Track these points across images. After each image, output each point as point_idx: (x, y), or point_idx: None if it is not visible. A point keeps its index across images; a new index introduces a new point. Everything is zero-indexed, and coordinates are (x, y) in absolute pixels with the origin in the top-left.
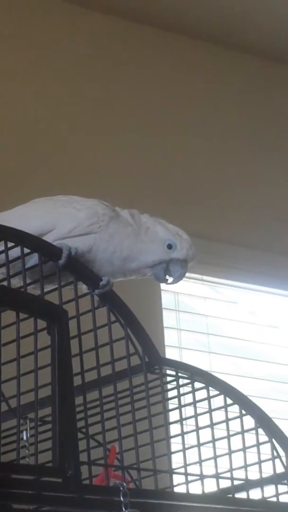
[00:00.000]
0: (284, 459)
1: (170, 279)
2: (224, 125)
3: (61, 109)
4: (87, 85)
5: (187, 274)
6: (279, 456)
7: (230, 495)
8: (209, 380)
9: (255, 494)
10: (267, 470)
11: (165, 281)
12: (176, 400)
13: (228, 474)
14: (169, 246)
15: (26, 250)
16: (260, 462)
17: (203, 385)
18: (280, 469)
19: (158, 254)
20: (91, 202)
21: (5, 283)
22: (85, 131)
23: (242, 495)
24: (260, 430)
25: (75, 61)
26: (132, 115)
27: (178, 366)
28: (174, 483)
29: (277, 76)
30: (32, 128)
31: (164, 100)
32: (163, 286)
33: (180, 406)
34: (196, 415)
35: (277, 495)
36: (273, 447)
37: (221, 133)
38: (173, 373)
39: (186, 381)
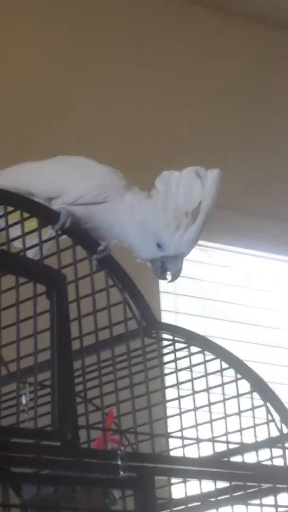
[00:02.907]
0: (278, 423)
1: (169, 277)
2: (223, 90)
3: (68, 70)
4: (91, 45)
5: None
6: (273, 420)
7: (226, 459)
8: (205, 344)
9: (250, 457)
10: (262, 434)
11: (164, 278)
12: (172, 364)
13: (223, 438)
14: (158, 245)
15: (26, 215)
16: (255, 426)
17: (199, 349)
18: (274, 432)
19: (150, 252)
20: (102, 169)
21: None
22: (86, 95)
23: (237, 458)
24: (255, 394)
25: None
26: (130, 78)
27: (175, 330)
28: (171, 447)
29: (268, 39)
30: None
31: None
32: None
33: (176, 370)
34: (192, 379)
35: (271, 458)
36: (268, 411)
37: (221, 98)
38: (170, 337)
39: (182, 345)
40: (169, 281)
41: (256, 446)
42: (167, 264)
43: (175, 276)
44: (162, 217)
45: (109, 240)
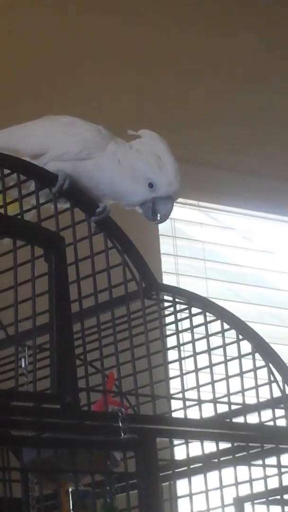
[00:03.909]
0: (280, 383)
1: (159, 218)
2: (223, 51)
3: (63, 38)
4: (84, 17)
5: (183, 200)
6: (276, 381)
7: (228, 420)
8: (207, 305)
9: (252, 418)
10: (264, 395)
11: (155, 219)
12: (173, 326)
13: (225, 399)
14: (150, 185)
15: (23, 177)
16: (257, 387)
17: (200, 310)
18: (276, 393)
19: (141, 194)
20: (86, 127)
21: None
22: (80, 59)
23: (239, 419)
24: (257, 355)
25: None
26: (130, 48)
27: (176, 292)
28: (172, 409)
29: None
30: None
31: (160, 34)
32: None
33: (177, 332)
34: (193, 341)
35: (274, 419)
36: (270, 372)
37: (220, 58)
38: (171, 299)
39: (183, 306)
40: (158, 223)
41: (258, 407)
42: (158, 206)
43: (164, 217)
44: (150, 160)
45: (100, 200)
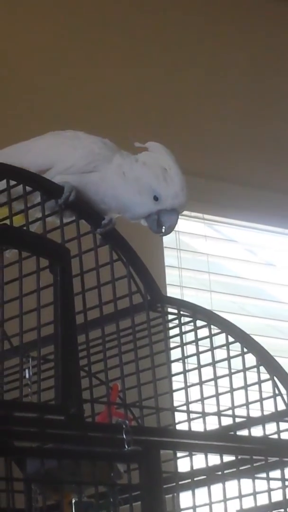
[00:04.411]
0: (285, 396)
1: (164, 230)
2: (224, 60)
3: (58, 39)
4: (80, 13)
5: (188, 213)
6: (280, 394)
7: (232, 432)
8: (211, 318)
9: (256, 431)
10: (269, 408)
11: (159, 231)
12: (178, 338)
13: (229, 412)
14: (155, 198)
15: (28, 189)
16: (261, 400)
17: (205, 323)
18: (281, 406)
19: (146, 206)
20: (91, 140)
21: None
22: (77, 61)
23: (243, 432)
24: (262, 368)
25: None
26: (128, 45)
27: (180, 304)
28: (176, 421)
29: (279, 11)
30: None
31: (158, 30)
32: None
33: (182, 344)
34: (198, 353)
35: (278, 432)
36: (275, 385)
37: (221, 68)
38: (175, 311)
39: (188, 319)
40: (163, 235)
41: (262, 420)
42: (163, 218)
43: (169, 230)
44: (156, 172)
45: (106, 214)
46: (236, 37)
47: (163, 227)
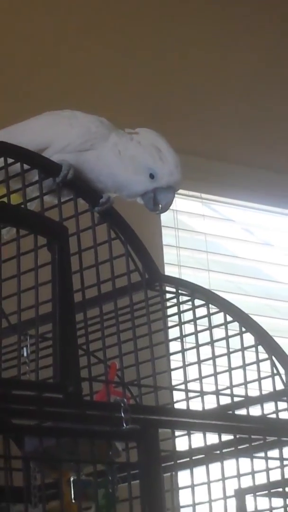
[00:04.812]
0: (283, 376)
1: (160, 208)
2: (226, 39)
3: (57, 24)
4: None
5: (185, 192)
6: (278, 373)
7: (230, 412)
8: (210, 297)
9: (254, 411)
10: (267, 387)
11: (156, 209)
12: (176, 317)
13: (228, 391)
14: (151, 176)
15: (26, 167)
16: (259, 379)
17: (203, 302)
18: (279, 386)
19: (142, 184)
20: (88, 119)
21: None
22: (79, 45)
23: (241, 411)
24: (260, 348)
25: None
26: (128, 28)
27: (179, 283)
28: (174, 400)
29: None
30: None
31: (160, 12)
32: None
33: (180, 323)
34: (196, 332)
35: (276, 411)
36: (273, 364)
37: (223, 47)
38: (174, 290)
39: (186, 298)
40: (159, 213)
41: (261, 399)
42: (159, 196)
43: (165, 208)
44: (151, 151)
45: (103, 193)
46: (237, 16)
47: (160, 205)
